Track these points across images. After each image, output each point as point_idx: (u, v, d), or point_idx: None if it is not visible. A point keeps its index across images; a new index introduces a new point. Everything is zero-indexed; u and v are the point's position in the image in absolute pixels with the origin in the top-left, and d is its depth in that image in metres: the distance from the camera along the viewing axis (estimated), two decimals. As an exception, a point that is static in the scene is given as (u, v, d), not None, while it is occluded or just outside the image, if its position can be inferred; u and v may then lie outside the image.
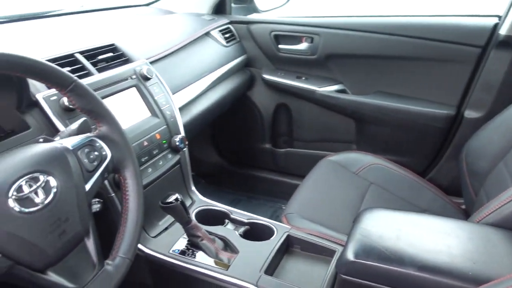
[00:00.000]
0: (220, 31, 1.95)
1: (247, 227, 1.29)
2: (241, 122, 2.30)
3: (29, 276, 0.69)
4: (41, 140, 0.88)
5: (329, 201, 1.45)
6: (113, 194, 1.10)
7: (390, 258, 0.87)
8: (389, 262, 0.87)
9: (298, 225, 1.28)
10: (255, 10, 2.21)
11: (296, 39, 1.98)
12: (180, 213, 1.13)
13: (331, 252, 1.17)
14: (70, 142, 0.81)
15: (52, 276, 0.71)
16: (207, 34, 1.87)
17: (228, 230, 1.25)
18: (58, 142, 0.81)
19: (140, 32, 1.60)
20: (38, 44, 1.24)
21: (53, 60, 1.14)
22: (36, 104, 1.03)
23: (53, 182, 0.73)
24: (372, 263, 0.88)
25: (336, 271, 1.01)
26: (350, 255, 0.91)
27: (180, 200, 1.11)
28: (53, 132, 1.03)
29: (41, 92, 1.04)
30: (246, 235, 1.24)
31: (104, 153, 0.85)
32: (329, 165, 1.64)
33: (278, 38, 2.01)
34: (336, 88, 1.96)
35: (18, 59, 0.72)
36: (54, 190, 0.72)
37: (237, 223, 1.31)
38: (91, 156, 0.82)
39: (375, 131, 1.96)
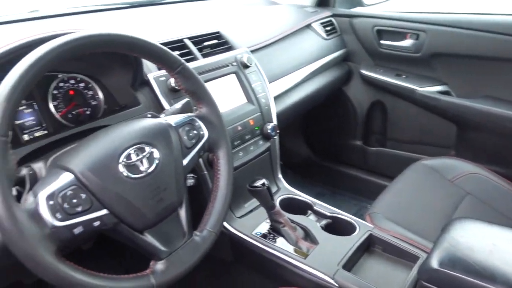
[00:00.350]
0: (322, 23, 1.94)
1: (329, 220, 1.29)
2: (333, 116, 2.28)
3: (130, 235, 0.77)
4: (149, 115, 0.98)
5: (418, 206, 1.39)
6: (205, 172, 1.18)
7: (480, 273, 0.82)
8: (478, 276, 0.82)
9: (382, 226, 1.25)
10: (360, 3, 2.16)
11: (400, 35, 1.90)
12: (265, 198, 1.17)
13: (414, 258, 1.12)
14: (173, 120, 0.89)
15: (148, 238, 0.80)
16: (308, 26, 1.88)
17: (310, 221, 1.27)
18: (163, 119, 0.89)
19: (243, 21, 1.67)
20: (151, 29, 1.36)
21: (164, 44, 1.24)
22: (147, 83, 1.14)
23: (156, 153, 0.80)
24: (457, 274, 0.83)
25: (417, 277, 0.98)
26: (434, 263, 0.87)
27: (266, 185, 1.15)
28: (159, 109, 1.13)
29: (152, 72, 1.15)
30: (327, 228, 1.25)
31: (202, 132, 0.92)
32: (422, 169, 1.56)
33: (381, 33, 1.95)
34: (439, 89, 1.85)
35: (137, 41, 0.81)
36: (157, 161, 0.80)
37: (319, 215, 1.31)
38: (190, 134, 0.89)
39: (478, 138, 1.82)
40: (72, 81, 1.12)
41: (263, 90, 1.40)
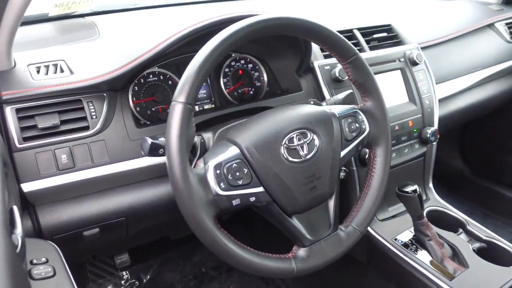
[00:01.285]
0: (507, 24, 1.71)
1: (483, 244, 1.15)
2: (499, 130, 2.01)
3: (279, 216, 0.80)
4: (311, 102, 0.98)
5: None
6: (354, 168, 1.15)
7: None
8: None
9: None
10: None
11: None
12: (414, 206, 1.09)
13: None
14: (337, 110, 0.88)
15: (296, 222, 0.81)
16: (490, 26, 1.67)
17: (460, 240, 1.15)
18: (327, 107, 0.89)
19: (417, 15, 1.56)
20: (320, 17, 1.36)
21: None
22: (311, 70, 1.15)
23: (317, 141, 0.81)
24: None
25: None
26: None
27: (418, 193, 1.07)
28: (319, 98, 1.13)
29: (318, 60, 1.15)
30: (480, 253, 1.12)
31: (363, 126, 0.89)
32: None
33: None
34: None
35: (317, 27, 0.81)
36: (316, 148, 0.80)
37: (472, 236, 1.18)
38: (352, 127, 0.87)
39: None
40: (242, 61, 1.19)
41: (428, 91, 1.30)
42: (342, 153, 0.85)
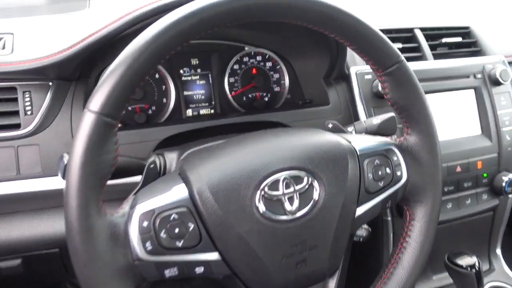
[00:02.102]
0: None
1: None
2: None
3: None
4: (329, 125, 0.68)
5: None
6: (389, 218, 0.84)
7: None
8: None
9: None
10: None
11: None
12: (468, 285, 0.77)
13: None
14: (360, 143, 0.58)
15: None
16: None
17: None
18: (347, 137, 0.59)
19: (507, 18, 1.18)
20: (372, 9, 1.04)
21: (386, 31, 0.92)
22: (345, 78, 0.85)
23: (317, 190, 0.52)
24: None
25: None
26: None
27: (476, 269, 0.74)
28: (351, 117, 0.83)
29: (357, 65, 0.84)
30: None
31: (398, 173, 0.59)
32: None
33: None
34: None
35: (339, 15, 0.51)
36: (313, 202, 0.51)
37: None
38: (380, 173, 0.57)
39: None
40: (258, 58, 0.92)
41: (511, 122, 0.94)
42: (359, 212, 0.56)
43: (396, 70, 0.56)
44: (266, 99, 0.92)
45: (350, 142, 0.57)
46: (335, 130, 0.67)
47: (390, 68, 0.56)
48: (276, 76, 0.93)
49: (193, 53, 0.87)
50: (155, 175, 0.59)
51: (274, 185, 0.50)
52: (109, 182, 0.47)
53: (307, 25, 0.51)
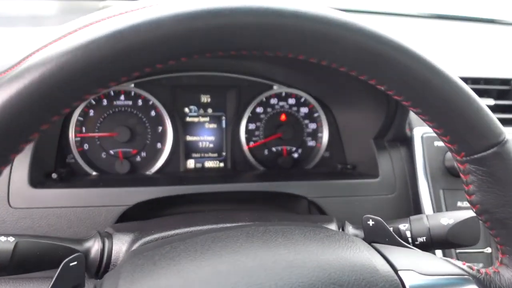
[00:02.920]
0: None
1: None
2: None
3: None
4: (370, 223, 0.44)
5: None
6: None
7: None
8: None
9: None
10: None
11: None
12: None
13: None
14: (414, 277, 0.33)
15: None
16: None
17: None
18: (392, 258, 0.35)
19: None
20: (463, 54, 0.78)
21: (468, 80, 0.67)
22: (405, 141, 0.60)
23: None
24: None
25: None
26: None
27: None
28: (409, 200, 0.58)
29: (424, 126, 0.60)
30: None
31: None
32: None
33: None
34: None
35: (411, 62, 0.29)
36: None
37: None
38: None
39: None
40: (291, 101, 0.70)
41: None
42: None
43: (494, 155, 0.32)
44: (296, 155, 0.69)
45: (396, 271, 0.33)
46: (377, 231, 0.43)
47: (483, 153, 0.32)
48: (312, 126, 0.70)
49: (205, 87, 0.67)
50: (76, 278, 0.38)
51: None
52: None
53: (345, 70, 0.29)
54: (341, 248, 0.35)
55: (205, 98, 0.67)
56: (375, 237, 0.43)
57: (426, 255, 0.38)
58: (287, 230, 0.37)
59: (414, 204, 0.58)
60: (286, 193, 0.56)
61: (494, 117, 0.32)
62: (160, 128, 0.65)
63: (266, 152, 0.69)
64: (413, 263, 0.35)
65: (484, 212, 0.34)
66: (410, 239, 0.45)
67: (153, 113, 0.65)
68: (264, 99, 0.68)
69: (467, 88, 0.32)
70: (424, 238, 0.44)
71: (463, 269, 0.36)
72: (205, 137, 0.67)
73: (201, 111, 0.67)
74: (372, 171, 0.60)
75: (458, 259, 0.53)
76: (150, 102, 0.64)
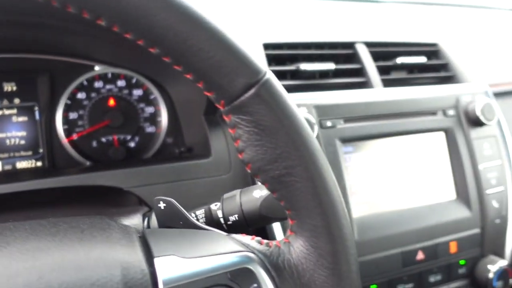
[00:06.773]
0: None
1: None
2: None
3: None
4: (161, 206, 0.36)
5: None
6: None
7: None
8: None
9: None
10: None
11: None
12: None
13: None
14: (171, 266, 0.26)
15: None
16: None
17: None
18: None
19: (486, 36, 0.90)
20: (317, 25, 0.74)
21: (306, 46, 0.63)
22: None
23: None
24: None
25: None
26: None
27: None
28: (246, 178, 0.52)
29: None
30: None
31: None
32: None
33: None
34: None
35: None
36: None
37: None
38: None
39: None
40: (120, 83, 0.61)
41: (500, 180, 0.64)
42: None
43: (253, 101, 0.26)
44: (133, 144, 0.61)
45: (152, 258, 0.26)
46: (170, 214, 0.36)
47: (241, 97, 0.26)
48: (150, 110, 0.62)
49: (7, 73, 0.56)
50: None
51: None
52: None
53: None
54: (95, 244, 0.27)
55: (9, 87, 0.56)
56: (169, 221, 0.36)
57: (204, 233, 0.31)
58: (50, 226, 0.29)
59: (253, 183, 0.52)
60: (97, 186, 0.47)
61: (250, 54, 0.26)
62: None
63: (94, 144, 0.59)
64: (179, 246, 0.28)
65: (258, 171, 0.29)
66: (222, 220, 0.38)
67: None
68: (85, 83, 0.58)
69: (211, 24, 0.26)
70: (236, 216, 0.38)
71: (247, 245, 0.29)
72: (14, 133, 0.56)
73: (5, 102, 0.56)
74: (204, 152, 0.53)
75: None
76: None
